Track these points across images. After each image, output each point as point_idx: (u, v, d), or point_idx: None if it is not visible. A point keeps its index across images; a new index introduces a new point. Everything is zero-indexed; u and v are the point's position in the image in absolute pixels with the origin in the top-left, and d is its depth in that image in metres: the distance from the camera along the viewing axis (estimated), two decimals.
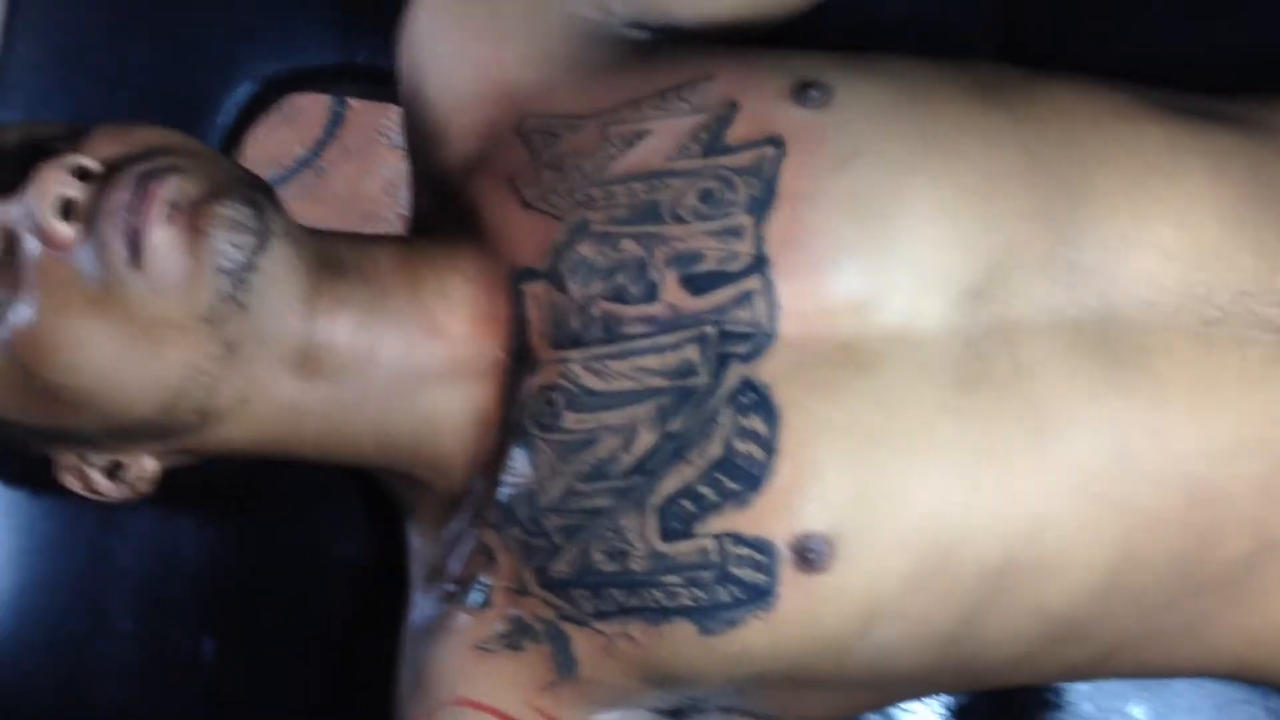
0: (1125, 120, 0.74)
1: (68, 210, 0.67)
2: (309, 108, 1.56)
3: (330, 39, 0.98)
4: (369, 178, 1.55)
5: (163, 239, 0.66)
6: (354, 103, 1.54)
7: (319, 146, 1.57)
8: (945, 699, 0.90)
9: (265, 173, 1.54)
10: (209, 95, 0.97)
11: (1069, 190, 0.71)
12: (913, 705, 0.89)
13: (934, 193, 0.70)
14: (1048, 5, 0.97)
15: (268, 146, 1.54)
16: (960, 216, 0.70)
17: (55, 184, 0.67)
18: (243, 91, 0.98)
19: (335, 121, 1.57)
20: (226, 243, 0.67)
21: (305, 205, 1.55)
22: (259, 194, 0.71)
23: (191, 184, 0.68)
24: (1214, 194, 0.72)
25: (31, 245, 0.68)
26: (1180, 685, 0.88)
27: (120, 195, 0.67)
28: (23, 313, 0.68)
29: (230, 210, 0.68)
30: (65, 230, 0.67)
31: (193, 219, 0.67)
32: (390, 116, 1.56)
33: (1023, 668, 0.74)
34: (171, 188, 0.67)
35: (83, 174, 0.68)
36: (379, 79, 0.91)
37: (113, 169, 0.68)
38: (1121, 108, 0.75)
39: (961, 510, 0.68)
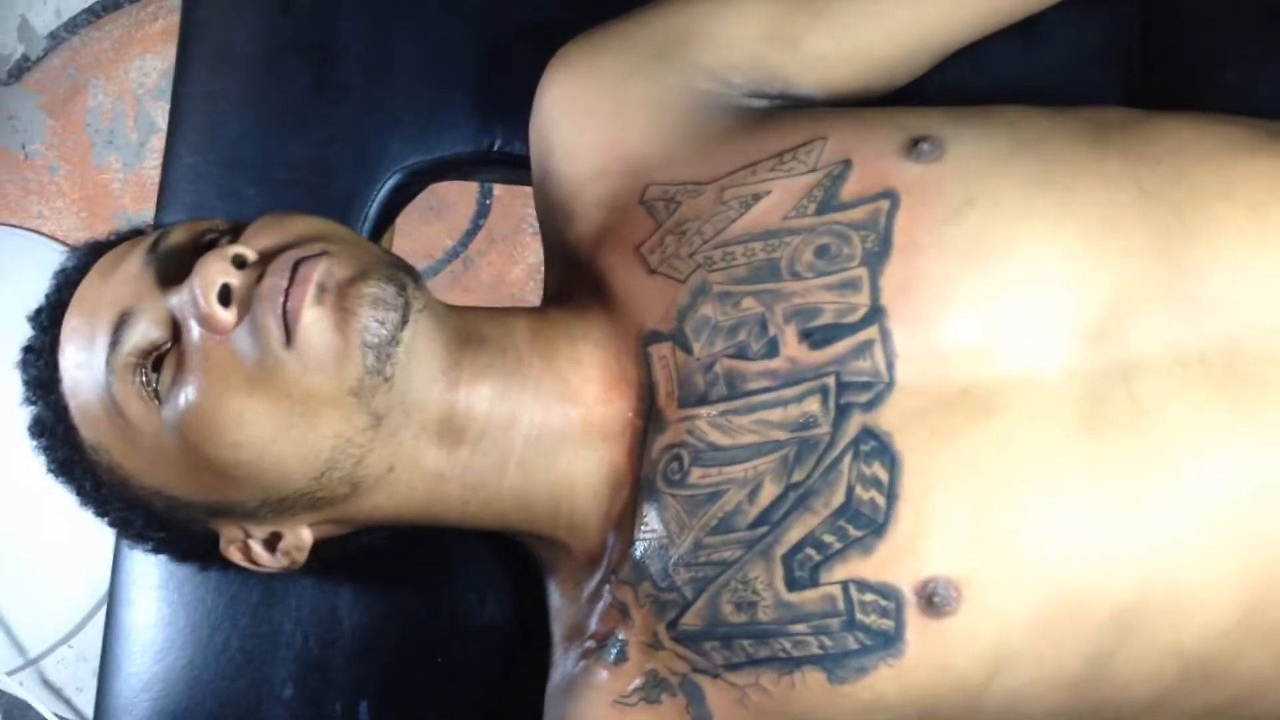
0: (1240, 152, 0.74)
1: (227, 297, 0.71)
2: (457, 202, 1.63)
3: (468, 130, 1.02)
4: (514, 264, 1.60)
5: (313, 318, 0.70)
6: (499, 193, 1.60)
7: (467, 237, 1.63)
8: None
9: (417, 264, 1.62)
10: (359, 187, 1.02)
11: (1186, 224, 0.71)
12: None
13: (1049, 237, 0.71)
14: (1175, 61, 0.97)
15: (420, 240, 1.61)
16: (1076, 258, 0.71)
17: (216, 273, 0.71)
18: (390, 183, 1.02)
19: (481, 213, 1.63)
20: (372, 319, 0.70)
21: (454, 293, 1.62)
22: (402, 274, 0.74)
23: (339, 267, 0.71)
24: None
25: (194, 330, 0.72)
26: None
27: (275, 281, 0.70)
28: (188, 394, 0.72)
29: (375, 289, 0.71)
30: (224, 315, 0.71)
31: (340, 299, 0.70)
32: (533, 206, 1.62)
33: (1159, 711, 0.73)
34: (321, 271, 0.70)
35: (240, 263, 0.72)
36: (513, 164, 0.95)
37: (268, 257, 0.72)
38: (1235, 140, 0.75)
39: (1088, 551, 0.68)
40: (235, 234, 0.76)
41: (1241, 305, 0.70)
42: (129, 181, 1.73)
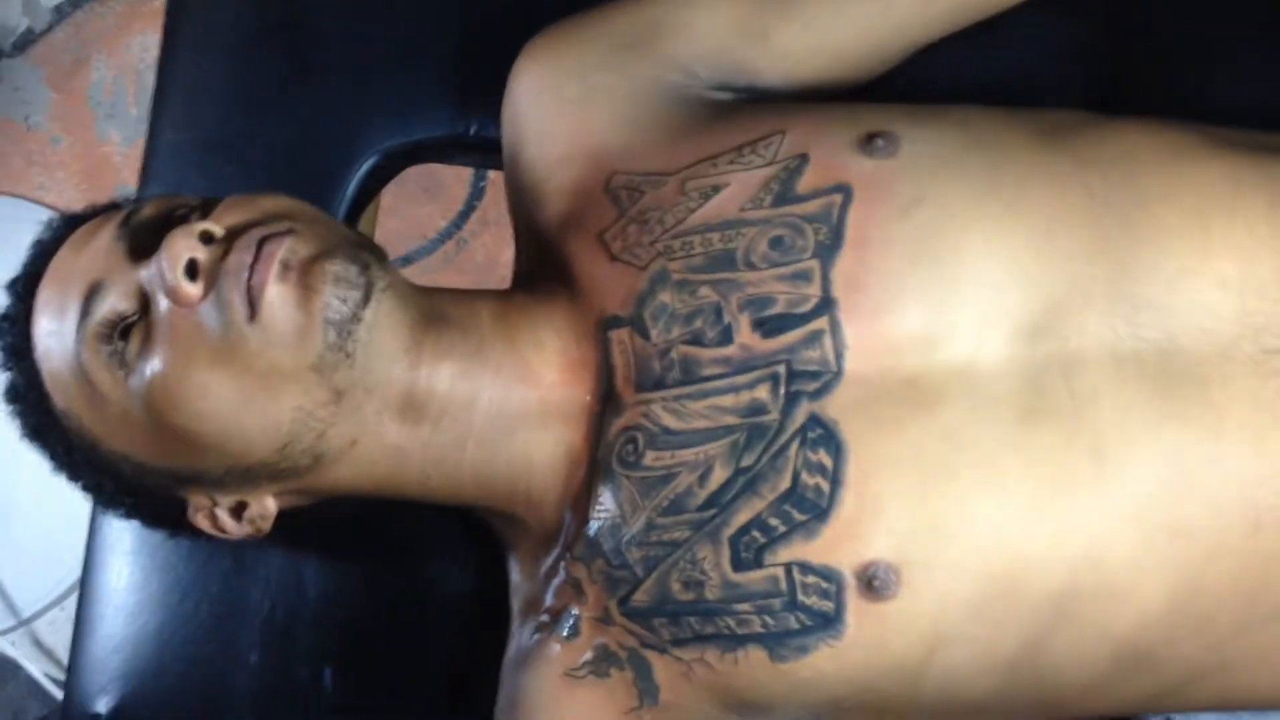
0: (1188, 158, 0.75)
1: (194, 271, 0.72)
2: (451, 184, 1.64)
3: (445, 114, 1.04)
4: (507, 246, 1.57)
5: (276, 294, 0.71)
6: (493, 175, 1.61)
7: (460, 219, 1.64)
8: None
9: (410, 244, 1.64)
10: (337, 168, 1.03)
11: (1130, 226, 0.73)
12: None
13: (996, 235, 0.73)
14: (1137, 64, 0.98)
15: (413, 220, 1.63)
16: (1021, 257, 0.72)
17: (183, 248, 0.72)
18: (367, 164, 1.04)
19: (476, 195, 1.64)
20: (334, 297, 0.72)
21: (448, 274, 1.63)
22: (366, 253, 0.76)
23: (304, 245, 0.73)
24: (1273, 226, 0.72)
25: (162, 303, 0.74)
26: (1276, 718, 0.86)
27: (240, 257, 0.72)
28: (154, 365, 0.73)
29: (338, 267, 0.72)
30: (190, 289, 0.72)
31: (304, 276, 0.72)
32: None
33: (1097, 696, 0.75)
34: (285, 248, 0.72)
35: (208, 238, 0.73)
36: (489, 148, 0.97)
37: (235, 234, 0.74)
38: (1185, 146, 0.76)
39: (1023, 537, 0.69)
40: (206, 211, 0.77)
41: (1179, 308, 0.71)
42: (129, 155, 1.75)
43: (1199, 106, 0.83)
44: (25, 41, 1.80)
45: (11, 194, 1.76)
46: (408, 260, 1.62)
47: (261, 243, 0.72)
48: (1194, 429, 0.70)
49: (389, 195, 1.59)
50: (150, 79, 1.71)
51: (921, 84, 0.88)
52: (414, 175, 1.61)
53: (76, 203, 1.72)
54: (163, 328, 0.73)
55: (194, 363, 0.73)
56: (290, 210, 0.77)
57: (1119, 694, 0.75)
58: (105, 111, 1.78)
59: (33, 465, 0.84)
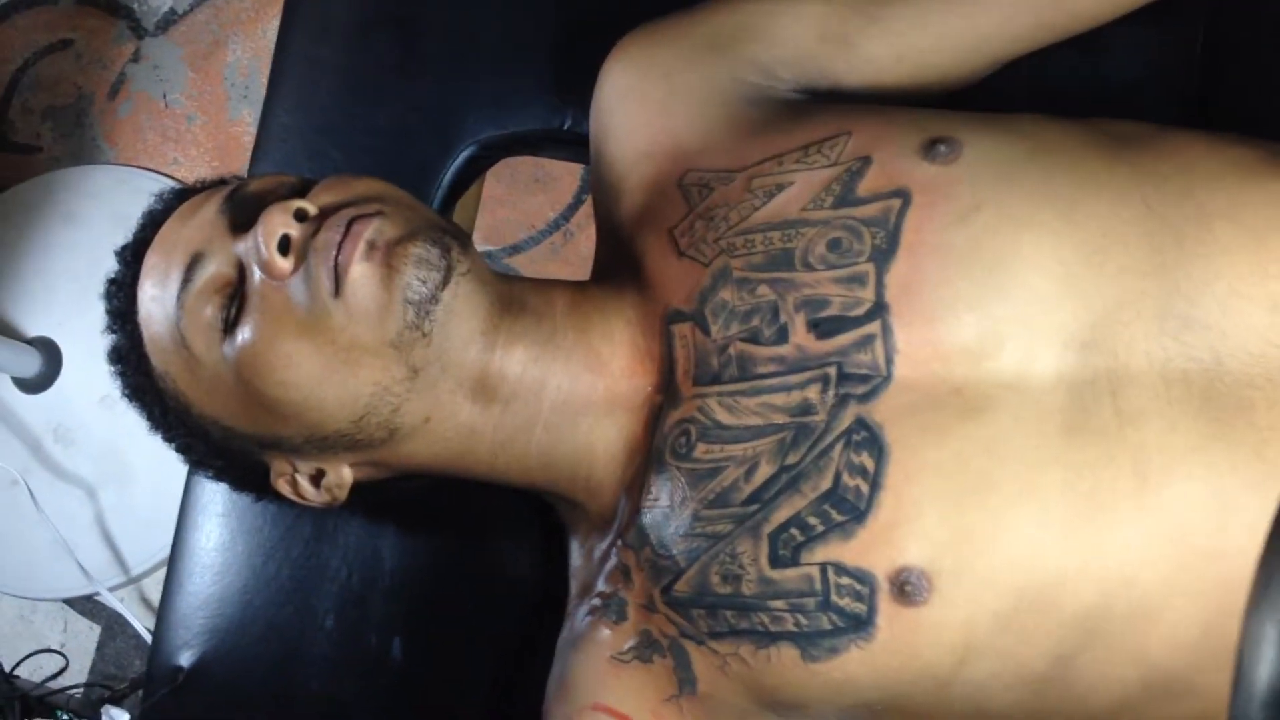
0: (1249, 175, 0.74)
1: (286, 246, 0.76)
2: (562, 176, 1.66)
3: (540, 108, 1.06)
4: None
5: (360, 273, 0.74)
6: None
7: (569, 211, 1.66)
8: None
9: (519, 234, 1.67)
10: (435, 157, 1.07)
11: (1186, 244, 0.72)
12: None
13: (1051, 246, 0.72)
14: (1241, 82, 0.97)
15: (523, 210, 1.65)
16: (1075, 269, 0.72)
17: (278, 224, 0.76)
18: (464, 154, 1.07)
19: (584, 188, 1.66)
20: (415, 278, 0.75)
21: (554, 264, 1.66)
22: (449, 238, 0.78)
23: (390, 226, 0.76)
24: None
25: (256, 275, 0.77)
26: None
27: (329, 235, 0.75)
28: (245, 333, 0.77)
29: (421, 249, 0.75)
30: (282, 263, 0.76)
31: (388, 256, 0.74)
32: None
33: (1126, 718, 0.74)
34: (372, 229, 0.75)
35: (302, 216, 0.76)
36: (582, 144, 0.99)
37: (327, 213, 0.77)
38: (1247, 163, 0.75)
39: (1058, 553, 0.69)
40: (303, 190, 0.80)
41: (1230, 329, 0.70)
42: None
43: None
44: (167, 22, 1.87)
45: (146, 168, 1.82)
46: (515, 249, 1.65)
47: (351, 223, 0.75)
48: (1237, 453, 0.69)
49: (501, 185, 1.64)
50: None
51: (1002, 93, 0.88)
52: (526, 167, 1.65)
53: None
54: (255, 298, 0.77)
55: (281, 333, 0.76)
56: (381, 193, 0.80)
57: (1145, 718, 0.74)
58: (239, 92, 1.84)
59: (147, 434, 0.88)
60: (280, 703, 0.99)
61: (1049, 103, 0.85)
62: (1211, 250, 0.71)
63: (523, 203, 1.65)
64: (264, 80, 1.81)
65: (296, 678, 0.99)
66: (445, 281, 0.76)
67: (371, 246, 0.75)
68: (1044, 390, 0.71)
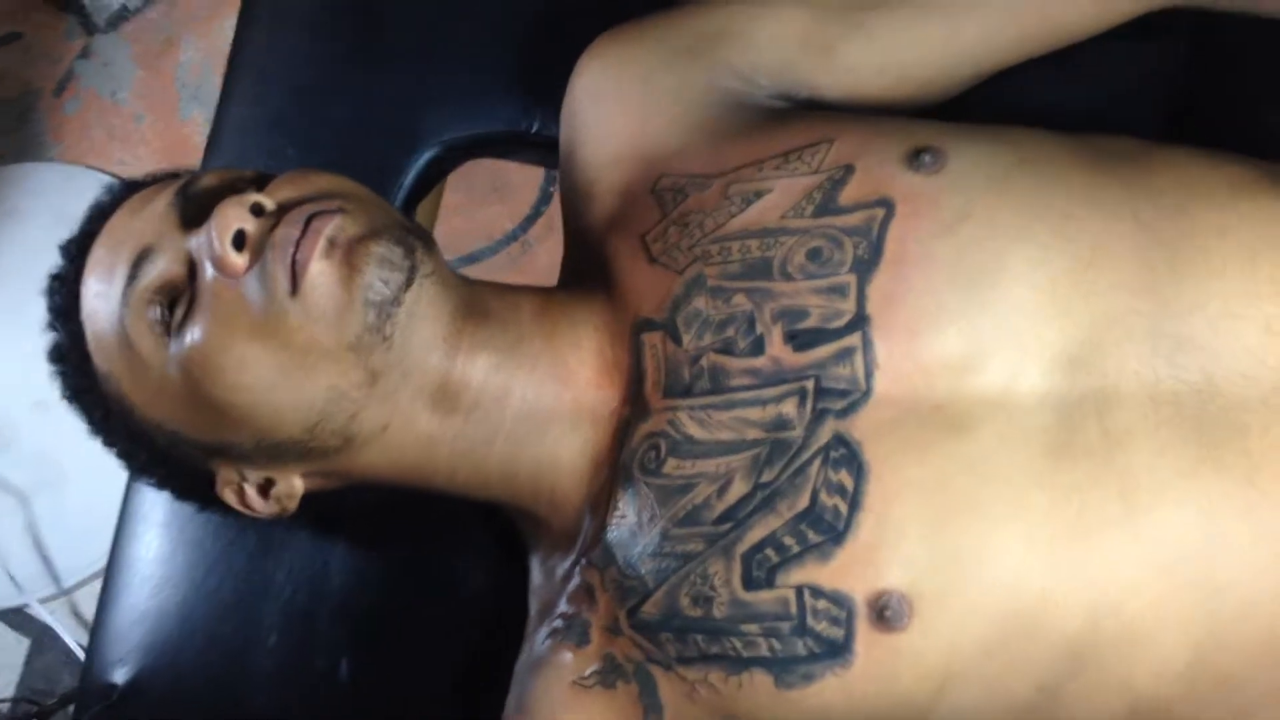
0: (1243, 193, 0.72)
1: (241, 242, 0.73)
2: (520, 186, 1.64)
3: (508, 109, 1.03)
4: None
5: (319, 271, 0.71)
6: None
7: (527, 222, 1.64)
8: None
9: (476, 244, 1.64)
10: (397, 157, 1.03)
11: (1176, 259, 0.70)
12: None
13: (1039, 260, 0.70)
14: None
15: (480, 220, 1.63)
16: (1064, 285, 0.70)
17: (232, 218, 0.72)
18: (427, 155, 1.04)
19: (544, 199, 1.64)
20: (376, 278, 0.72)
21: (511, 276, 1.63)
22: (413, 238, 0.75)
23: (352, 224, 0.73)
24: None
25: (208, 272, 0.74)
26: None
27: (287, 231, 0.72)
28: (195, 333, 0.73)
29: (383, 249, 0.72)
30: (236, 259, 0.72)
31: (348, 255, 0.71)
32: None
33: None
34: (333, 226, 0.72)
35: (259, 210, 0.73)
36: (549, 147, 0.96)
37: (286, 209, 0.74)
38: (1242, 180, 0.73)
39: (1043, 577, 0.67)
40: (261, 185, 0.77)
41: (1221, 350, 0.69)
42: None
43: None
44: (119, 18, 1.84)
45: (91, 167, 1.78)
46: (472, 259, 1.62)
47: (310, 219, 0.72)
48: (1229, 478, 0.67)
49: (458, 194, 1.60)
50: None
51: (987, 105, 0.86)
52: (484, 175, 1.62)
53: None
54: (206, 296, 0.74)
55: (233, 333, 0.73)
56: (343, 189, 0.77)
57: None
58: (190, 93, 1.81)
59: (85, 439, 0.84)
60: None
61: (1031, 118, 0.83)
62: (1205, 269, 0.70)
63: (480, 212, 1.63)
64: (217, 81, 1.78)
65: (238, 697, 0.96)
66: (408, 283, 0.73)
67: (332, 244, 0.72)
68: (1029, 408, 0.69)
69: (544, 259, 1.63)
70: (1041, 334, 0.70)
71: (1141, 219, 0.71)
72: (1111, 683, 0.68)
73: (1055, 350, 0.69)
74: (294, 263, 0.71)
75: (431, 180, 1.05)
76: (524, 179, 1.64)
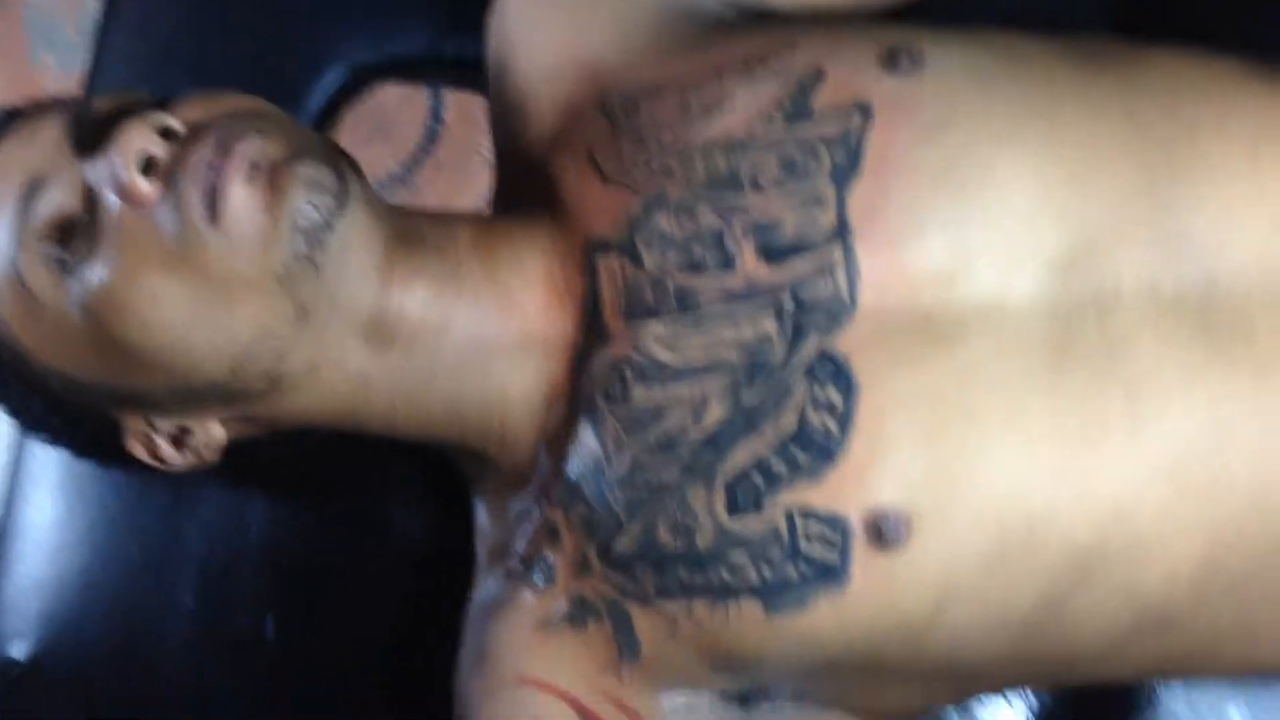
0: (1237, 87, 0.71)
1: (149, 168, 0.68)
2: (404, 124, 1.58)
3: (420, 29, 0.99)
4: (461, 194, 1.56)
5: (241, 196, 0.67)
6: (450, 119, 1.55)
7: (413, 162, 1.59)
8: (1029, 700, 0.86)
9: None
10: (298, 82, 0.99)
11: (1175, 159, 0.68)
12: (994, 701, 0.86)
13: (1029, 163, 0.68)
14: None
15: (362, 160, 1.56)
16: (1056, 188, 0.68)
17: (139, 140, 0.68)
18: (331, 79, 0.99)
19: (430, 138, 1.59)
20: (304, 202, 0.67)
21: None
22: (340, 159, 0.72)
23: (273, 145, 0.68)
24: None
25: (111, 203, 0.69)
26: None
27: (202, 153, 0.67)
28: (99, 271, 0.69)
29: (310, 170, 0.68)
30: (145, 186, 0.68)
31: (272, 177, 0.67)
32: (484, 134, 1.57)
33: (1111, 659, 0.71)
34: (253, 147, 0.68)
35: (167, 133, 0.69)
36: (467, 68, 0.92)
37: (196, 131, 0.69)
38: (1232, 75, 0.72)
39: (1047, 488, 0.65)
40: (164, 107, 0.72)
41: (1224, 247, 0.67)
42: (65, 82, 1.67)
43: (1241, 45, 0.78)
44: None
45: None
46: None
47: (226, 141, 0.68)
48: (1237, 377, 0.66)
49: (338, 135, 1.54)
50: (92, 3, 1.65)
51: (940, 11, 0.83)
52: (365, 114, 1.56)
53: None
54: (111, 229, 0.69)
55: (144, 268, 0.68)
56: (257, 109, 0.73)
57: (1134, 659, 0.71)
58: (41, 36, 1.71)
59: None
60: (135, 694, 0.91)
61: (977, 18, 0.80)
62: (1203, 166, 0.68)
63: (361, 153, 1.54)
64: (71, 23, 1.70)
65: (154, 666, 0.91)
66: (340, 207, 0.69)
67: (254, 167, 0.67)
68: (1024, 315, 0.67)
69: (432, 200, 1.58)
70: (1034, 239, 0.68)
71: (1135, 117, 0.70)
72: (1118, 594, 0.67)
73: (1049, 255, 0.67)
74: (211, 188, 0.67)
75: (337, 109, 1.01)
76: (408, 117, 1.58)
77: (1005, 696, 0.86)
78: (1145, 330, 0.66)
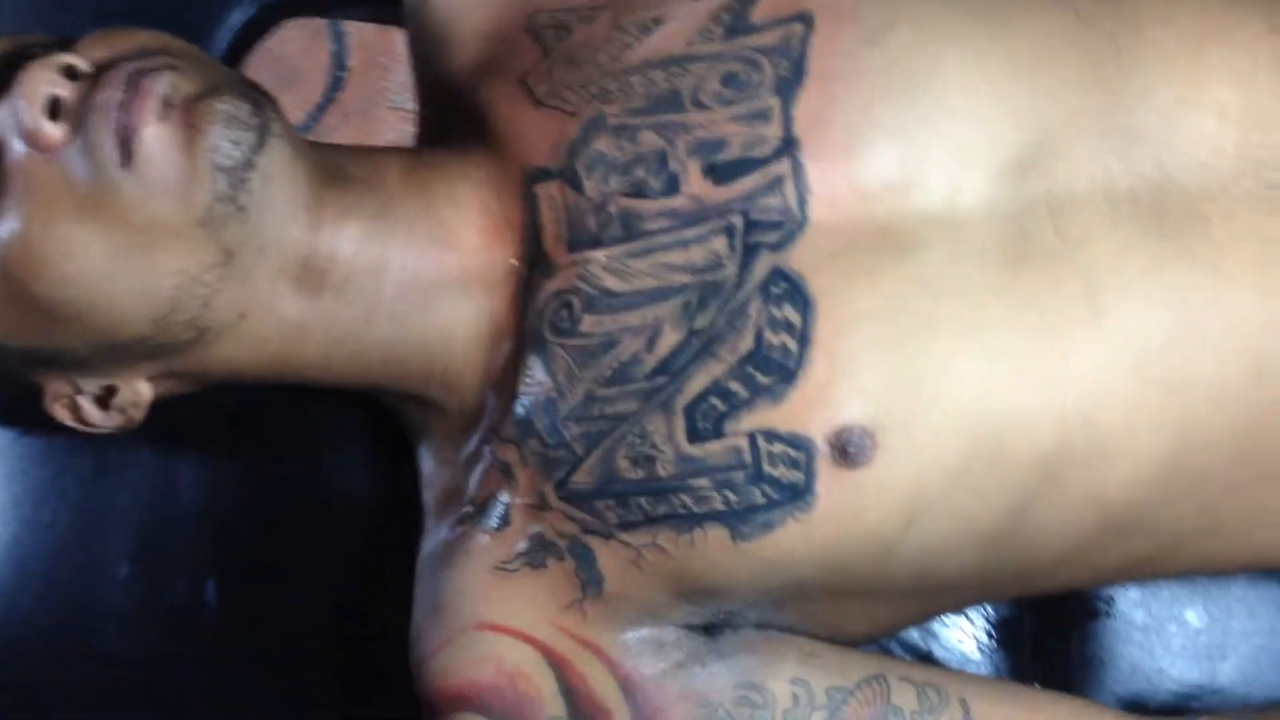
0: None
1: (55, 110, 0.65)
2: (309, 72, 1.55)
3: None
4: (369, 141, 1.53)
5: (155, 136, 0.64)
6: (354, 64, 1.52)
7: (319, 110, 1.55)
8: (988, 612, 0.87)
9: None
10: (204, 20, 0.95)
11: (1121, 52, 0.68)
12: (954, 619, 0.86)
13: (976, 64, 0.68)
14: None
15: None
16: (1004, 89, 0.67)
17: (42, 82, 0.65)
18: (238, 16, 0.95)
19: (335, 85, 1.55)
20: (224, 139, 0.65)
21: None
22: (258, 94, 0.69)
23: (186, 81, 0.65)
24: (1275, 49, 0.68)
25: (17, 149, 0.66)
26: (1239, 589, 0.86)
27: (111, 93, 0.64)
28: (8, 223, 0.66)
29: (228, 106, 0.65)
30: (52, 130, 0.65)
31: (187, 115, 0.64)
32: (390, 79, 1.54)
33: (1073, 564, 0.71)
34: (165, 84, 0.65)
35: (72, 73, 0.66)
36: (380, 2, 0.89)
37: (103, 69, 0.66)
38: None
39: (1011, 394, 0.65)
40: (66, 47, 0.69)
41: (1175, 140, 0.67)
42: None
43: None
44: None
45: None
46: None
47: (136, 78, 0.65)
48: (1195, 270, 0.66)
49: None
50: None
51: None
52: (269, 63, 1.51)
53: None
54: (17, 178, 0.66)
55: (56, 217, 0.65)
56: (166, 44, 0.70)
57: (1097, 562, 0.71)
58: None
59: None
60: (70, 670, 0.87)
61: None
62: (1150, 58, 0.68)
63: None
64: None
65: (88, 639, 0.87)
66: (261, 144, 0.66)
67: (167, 104, 0.64)
68: (979, 220, 0.66)
69: None
70: (984, 141, 0.67)
71: (1081, 14, 0.69)
72: (1082, 497, 0.67)
73: (1001, 156, 0.67)
74: (123, 129, 0.64)
75: (245, 47, 0.96)
76: (312, 64, 1.55)
77: (964, 613, 0.86)
78: (1100, 225, 0.66)
